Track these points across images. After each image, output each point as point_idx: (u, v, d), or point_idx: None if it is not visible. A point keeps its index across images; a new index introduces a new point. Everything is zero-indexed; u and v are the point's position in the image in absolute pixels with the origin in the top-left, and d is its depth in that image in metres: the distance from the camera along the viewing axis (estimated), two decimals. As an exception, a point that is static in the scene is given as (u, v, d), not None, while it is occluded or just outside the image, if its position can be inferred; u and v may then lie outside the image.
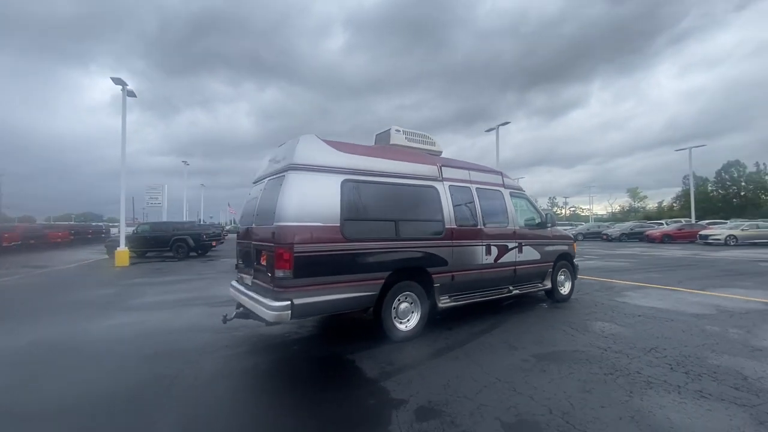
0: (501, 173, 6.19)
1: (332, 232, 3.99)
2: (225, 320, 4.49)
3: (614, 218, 68.00)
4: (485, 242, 5.37)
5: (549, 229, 6.54)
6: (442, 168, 5.26)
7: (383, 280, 4.30)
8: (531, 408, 2.86)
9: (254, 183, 5.12)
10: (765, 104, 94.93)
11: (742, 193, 63.86)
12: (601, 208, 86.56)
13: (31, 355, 4.31)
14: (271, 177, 4.48)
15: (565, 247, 6.79)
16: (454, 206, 5.10)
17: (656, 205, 75.76)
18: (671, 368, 3.59)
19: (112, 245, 17.35)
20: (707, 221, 32.28)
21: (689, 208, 53.10)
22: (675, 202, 71.10)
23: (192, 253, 17.98)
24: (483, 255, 5.33)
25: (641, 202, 79.72)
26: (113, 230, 37.20)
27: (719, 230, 23.12)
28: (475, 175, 5.69)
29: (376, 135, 5.75)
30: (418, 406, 2.91)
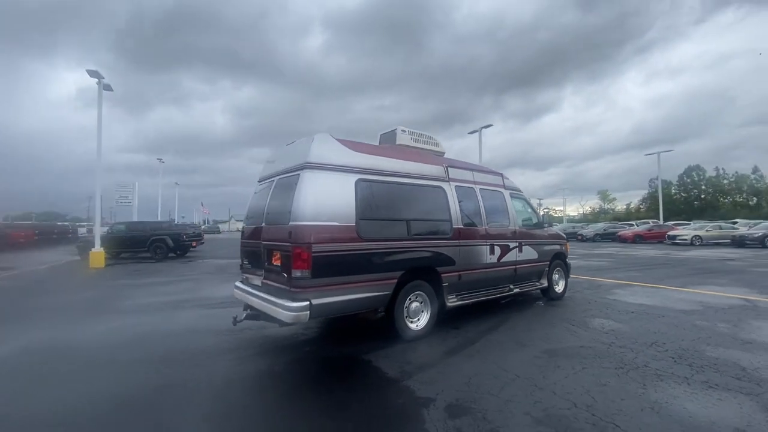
0: (501, 174, 6.33)
1: (348, 232, 3.97)
2: (235, 322, 4.37)
3: (585, 219, 70.55)
4: (489, 242, 5.47)
5: (545, 229, 6.74)
6: (449, 169, 5.33)
7: (396, 280, 4.31)
8: (555, 402, 2.95)
9: (260, 182, 5.02)
10: (721, 113, 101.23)
11: (703, 196, 67.77)
12: (573, 209, 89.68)
13: (28, 363, 4.05)
14: (282, 176, 4.40)
15: (559, 247, 7.01)
16: (460, 207, 5.18)
17: (625, 206, 79.18)
18: (675, 361, 3.78)
19: (84, 246, 16.52)
20: (672, 222, 34.02)
21: (656, 209, 55.81)
22: (642, 204, 74.53)
23: (171, 254, 17.36)
24: (487, 255, 5.44)
25: (611, 204, 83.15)
26: (80, 230, 35.43)
27: (686, 231, 24.44)
28: (479, 176, 5.80)
29: (381, 135, 5.75)
30: (447, 404, 2.94)
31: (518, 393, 3.12)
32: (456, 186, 5.29)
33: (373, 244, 4.15)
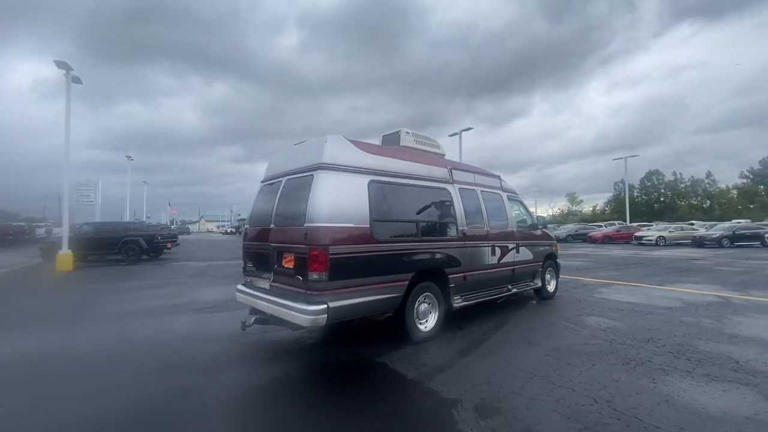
0: (499, 177, 6.47)
1: (363, 234, 3.94)
2: (244, 327, 4.24)
3: (555, 220, 73.28)
4: (491, 243, 5.59)
5: (539, 230, 6.95)
6: (452, 171, 5.40)
7: (408, 282, 4.32)
8: (577, 399, 3.05)
9: (264, 182, 4.89)
10: (677, 121, 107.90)
11: (662, 199, 71.93)
12: (542, 211, 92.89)
13: (18, 376, 3.76)
14: (292, 176, 4.31)
15: (551, 248, 7.25)
16: (464, 208, 5.25)
17: (591, 208, 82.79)
18: (674, 356, 3.99)
19: (48, 247, 15.54)
20: (637, 224, 35.88)
21: (619, 211, 58.66)
22: (607, 206, 78.17)
23: (144, 257, 16.58)
24: (489, 256, 5.54)
25: (578, 206, 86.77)
26: (39, 231, 33.22)
27: (651, 232, 25.86)
28: (480, 179, 5.91)
29: (383, 136, 5.74)
30: (474, 405, 2.97)
31: (539, 391, 3.20)
32: (460, 188, 5.37)
33: (387, 246, 4.14)
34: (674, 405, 2.93)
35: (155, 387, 3.40)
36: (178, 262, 15.26)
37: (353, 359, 4.05)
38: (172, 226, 48.82)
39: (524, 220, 6.77)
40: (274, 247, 4.21)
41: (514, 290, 6.11)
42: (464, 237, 5.12)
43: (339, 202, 3.86)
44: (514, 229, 6.21)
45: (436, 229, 4.81)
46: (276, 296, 4.03)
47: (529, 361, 3.88)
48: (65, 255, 13.05)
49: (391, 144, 5.57)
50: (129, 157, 30.25)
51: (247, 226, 4.98)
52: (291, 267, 3.94)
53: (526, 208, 6.97)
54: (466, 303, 5.11)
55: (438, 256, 4.73)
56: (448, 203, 5.09)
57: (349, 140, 4.27)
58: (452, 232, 5.00)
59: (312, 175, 3.95)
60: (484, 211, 5.63)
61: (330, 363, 3.97)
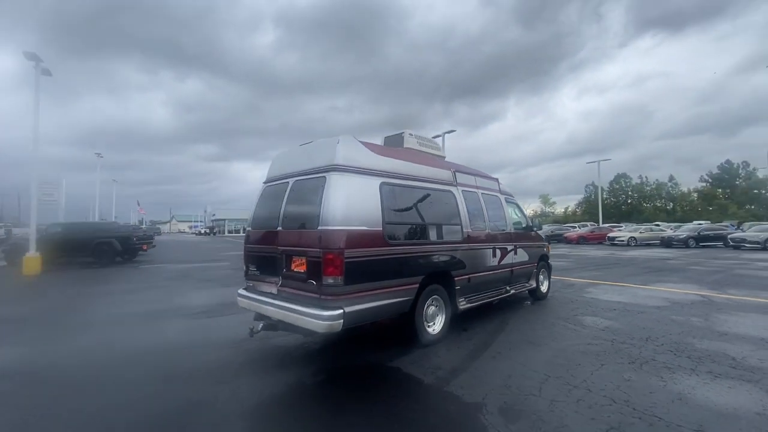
0: (497, 180, 6.55)
1: (376, 236, 3.88)
2: (252, 333, 4.09)
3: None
4: (492, 245, 5.64)
5: (533, 232, 7.08)
6: (456, 173, 5.42)
7: (418, 284, 4.29)
8: (595, 399, 3.10)
9: (268, 183, 4.74)
10: (641, 127, 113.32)
11: (629, 201, 75.26)
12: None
13: (9, 389, 3.47)
14: (300, 177, 4.20)
15: (544, 249, 7.40)
16: (468, 211, 5.28)
17: (563, 210, 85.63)
18: (675, 354, 4.15)
19: (13, 250, 14.56)
20: (608, 225, 37.35)
21: (590, 212, 60.84)
22: (578, 208, 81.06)
23: (117, 259, 15.79)
24: (491, 257, 5.60)
25: (551, 208, 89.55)
26: (-3, 231, 31.10)
27: (623, 233, 26.97)
28: (480, 181, 5.96)
29: (386, 138, 5.69)
30: (498, 408, 2.97)
31: (557, 392, 3.24)
32: (463, 190, 5.39)
33: (399, 249, 4.10)
34: (688, 403, 3.03)
35: (163, 400, 3.22)
36: (156, 265, 14.64)
37: (365, 364, 3.98)
38: (142, 227, 46.88)
39: (520, 222, 6.88)
40: (283, 250, 4.08)
41: (512, 291, 6.20)
42: (468, 239, 5.15)
43: (353, 204, 3.79)
44: (512, 231, 6.31)
45: (443, 232, 4.81)
46: (286, 301, 3.90)
47: (540, 363, 3.93)
48: (33, 258, 12.26)
49: (394, 146, 5.53)
50: (99, 154, 28.78)
51: (249, 228, 4.81)
52: (302, 271, 3.83)
53: (521, 211, 7.09)
54: (470, 305, 5.13)
55: (446, 258, 4.73)
56: (453, 206, 5.10)
57: (360, 141, 4.20)
58: (458, 234, 5.02)
59: (324, 176, 3.85)
60: (485, 213, 5.69)
61: (342, 368, 3.88)
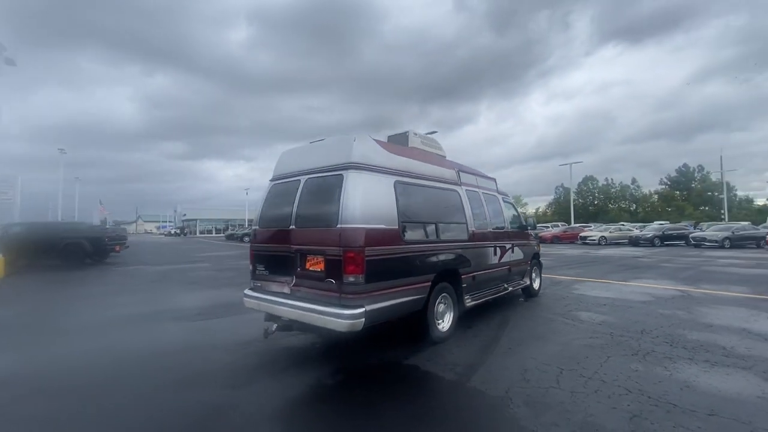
0: (494, 180, 6.71)
1: (393, 234, 3.90)
2: (266, 335, 4.00)
3: (504, 222, 77.09)
4: (493, 244, 5.77)
5: (527, 230, 7.30)
6: (460, 173, 5.51)
7: (430, 282, 4.34)
8: (612, 390, 3.24)
9: (276, 181, 4.64)
10: (605, 131, 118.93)
11: (596, 202, 78.72)
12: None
13: (7, 401, 3.22)
14: (314, 175, 4.14)
15: (536, 247, 7.64)
16: (471, 210, 5.38)
17: (534, 211, 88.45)
18: (671, 345, 4.39)
19: (-31, 252, 13.45)
20: (579, 225, 38.93)
21: (560, 213, 63.16)
22: (548, 209, 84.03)
23: (87, 260, 14.94)
24: (492, 256, 5.73)
25: (522, 209, 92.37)
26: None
27: (594, 232, 28.19)
28: (481, 181, 6.09)
29: (389, 137, 5.69)
30: (523, 401, 3.05)
31: (575, 384, 3.36)
32: (466, 189, 5.49)
33: (414, 247, 4.13)
34: (695, 390, 3.23)
35: (180, 406, 3.09)
36: (132, 267, 13.98)
37: (381, 363, 3.98)
38: (107, 227, 44.58)
39: (515, 221, 7.07)
40: (297, 249, 4.02)
41: (510, 289, 6.36)
42: (473, 237, 5.25)
43: (370, 202, 3.78)
44: (510, 230, 6.48)
45: (451, 230, 4.88)
46: (301, 301, 3.84)
47: (550, 356, 4.06)
48: (-5, 260, 11.41)
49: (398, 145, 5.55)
50: (62, 150, 27.13)
51: (256, 227, 4.69)
52: (320, 270, 3.78)
53: (516, 210, 7.28)
54: (475, 302, 5.23)
55: (455, 256, 4.80)
56: (459, 204, 5.19)
57: (374, 139, 4.20)
58: (464, 233, 5.10)
59: (341, 174, 3.82)
60: (486, 212, 5.81)
61: (359, 368, 3.86)
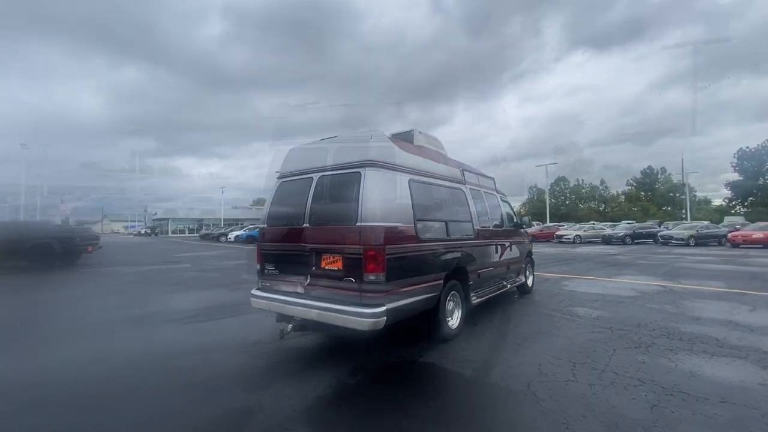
0: (493, 179, 6.82)
1: (410, 233, 3.90)
2: (282, 335, 3.90)
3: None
4: (495, 242, 5.87)
5: (522, 229, 7.47)
6: (464, 172, 5.57)
7: (443, 280, 4.36)
8: (626, 381, 3.36)
9: (285, 179, 4.54)
10: (574, 134, 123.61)
11: (567, 202, 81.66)
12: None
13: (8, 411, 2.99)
14: (329, 173, 4.08)
15: (529, 246, 7.83)
16: (476, 208, 5.45)
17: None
18: (668, 338, 4.61)
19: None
20: (553, 224, 40.19)
21: (533, 213, 65.18)
22: (522, 208, 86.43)
23: (57, 262, 14.06)
24: (494, 254, 5.82)
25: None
26: None
27: (569, 231, 29.20)
28: (482, 180, 6.18)
29: (394, 135, 5.64)
30: (547, 395, 3.11)
31: (590, 377, 3.47)
32: (470, 188, 5.56)
33: (427, 245, 4.14)
34: (702, 379, 3.40)
35: (204, 409, 2.98)
36: (108, 268, 13.29)
37: (397, 362, 3.96)
38: (74, 227, 42.23)
39: (511, 220, 7.21)
40: (312, 248, 3.94)
41: (508, 286, 6.49)
42: (478, 236, 5.32)
43: (389, 200, 3.77)
44: (509, 228, 6.61)
45: (459, 228, 4.93)
46: (318, 300, 3.77)
47: (559, 350, 4.17)
48: (-45, 262, 10.58)
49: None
50: (23, 145, 25.50)
51: (263, 225, 4.57)
52: (338, 269, 3.73)
53: (512, 209, 7.44)
54: (480, 300, 5.30)
55: (463, 254, 4.85)
56: (465, 203, 5.25)
57: (388, 137, 4.18)
58: (470, 231, 5.16)
59: (359, 171, 3.78)
60: (488, 211, 5.91)
61: (376, 367, 3.83)
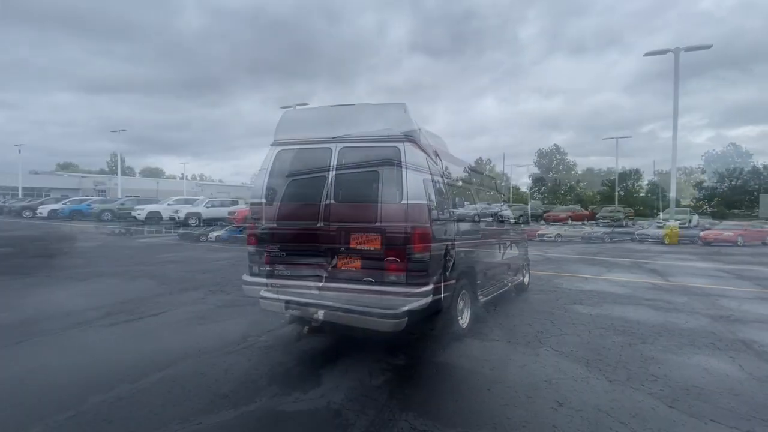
0: (494, 179, 6.89)
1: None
2: (307, 330, 3.82)
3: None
4: (498, 241, 5.94)
5: (521, 228, 7.58)
6: (470, 170, 5.61)
7: (455, 279, 4.35)
8: (642, 377, 3.49)
9: (288, 148, 4.12)
10: (551, 135, 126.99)
11: (545, 202, 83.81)
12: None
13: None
14: (354, 144, 3.86)
15: (527, 244, 7.96)
16: (481, 207, 5.49)
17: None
18: (670, 333, 4.79)
19: None
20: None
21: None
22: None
23: None
24: (497, 253, 5.88)
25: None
26: None
27: (550, 230, 29.80)
28: (484, 179, 6.26)
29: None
30: (570, 392, 3.17)
31: (607, 373, 3.57)
32: (476, 187, 5.60)
33: (449, 239, 4.17)
34: (713, 374, 3.55)
35: (243, 409, 2.86)
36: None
37: (414, 363, 3.95)
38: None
39: (511, 219, 7.31)
40: (339, 227, 3.75)
41: (509, 285, 6.56)
42: (484, 235, 5.36)
43: (426, 180, 3.76)
44: (508, 227, 6.69)
45: (467, 226, 4.95)
46: (348, 282, 3.69)
47: (570, 347, 4.26)
48: None
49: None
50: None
51: (258, 200, 4.12)
52: (375, 248, 3.58)
53: (509, 208, 7.54)
54: (486, 298, 5.34)
55: (474, 252, 4.89)
56: (474, 201, 5.28)
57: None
58: (476, 228, 5.20)
59: (397, 147, 3.65)
60: (491, 210, 5.96)
61: (397, 367, 3.80)
